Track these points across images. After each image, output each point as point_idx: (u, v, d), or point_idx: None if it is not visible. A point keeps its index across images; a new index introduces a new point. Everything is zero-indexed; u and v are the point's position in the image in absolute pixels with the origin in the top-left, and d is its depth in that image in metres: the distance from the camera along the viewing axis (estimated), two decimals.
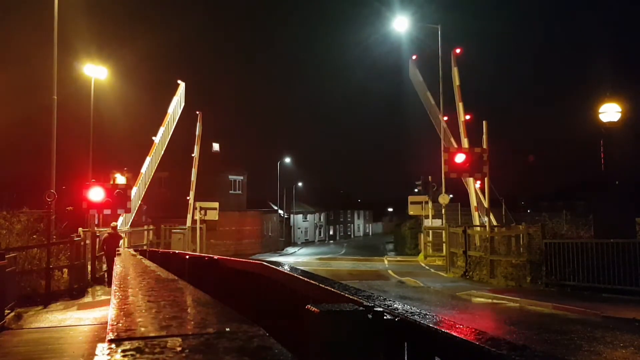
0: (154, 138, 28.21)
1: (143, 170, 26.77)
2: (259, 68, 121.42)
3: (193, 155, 31.85)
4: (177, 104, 30.49)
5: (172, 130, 29.93)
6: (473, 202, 25.86)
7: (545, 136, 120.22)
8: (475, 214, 25.34)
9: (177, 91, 30.71)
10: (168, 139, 29.51)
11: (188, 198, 31.04)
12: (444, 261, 22.56)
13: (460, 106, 27.04)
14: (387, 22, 31.54)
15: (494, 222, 24.33)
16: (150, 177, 28.05)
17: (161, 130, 28.58)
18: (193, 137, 32.34)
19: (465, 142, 25.63)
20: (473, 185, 25.87)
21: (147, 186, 27.56)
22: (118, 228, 19.55)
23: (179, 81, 31.27)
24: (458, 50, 28.15)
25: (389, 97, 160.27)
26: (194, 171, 31.39)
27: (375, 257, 32.35)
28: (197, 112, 32.44)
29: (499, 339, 1.56)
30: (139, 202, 26.95)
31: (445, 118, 28.84)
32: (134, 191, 22.85)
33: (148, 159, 27.18)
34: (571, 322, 9.51)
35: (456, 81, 27.80)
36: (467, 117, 26.90)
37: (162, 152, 29.11)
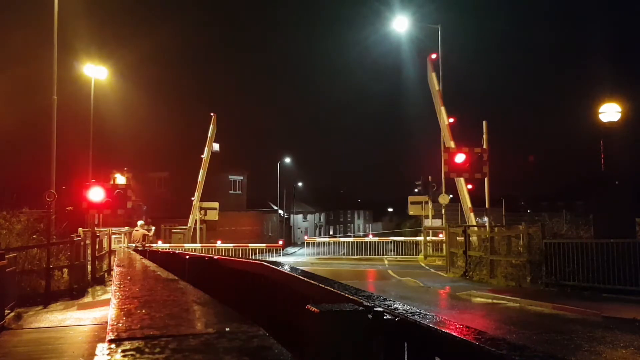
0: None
1: None
2: (259, 68, 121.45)
3: (203, 156, 31.85)
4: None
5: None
6: (467, 203, 26.01)
7: (545, 136, 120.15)
8: (471, 215, 25.44)
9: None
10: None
11: (193, 199, 31.02)
12: (444, 261, 22.55)
13: (442, 110, 27.59)
14: (387, 22, 31.56)
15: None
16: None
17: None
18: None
19: (451, 145, 25.90)
20: (465, 187, 26.15)
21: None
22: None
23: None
24: (434, 56, 28.78)
25: (388, 97, 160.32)
26: (201, 172, 31.37)
27: (375, 256, 32.31)
28: (212, 114, 32.54)
29: (499, 339, 1.56)
30: None
31: (452, 120, 28.99)
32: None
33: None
34: (571, 322, 9.51)
35: (435, 86, 28.27)
36: (451, 120, 27.60)
37: None
